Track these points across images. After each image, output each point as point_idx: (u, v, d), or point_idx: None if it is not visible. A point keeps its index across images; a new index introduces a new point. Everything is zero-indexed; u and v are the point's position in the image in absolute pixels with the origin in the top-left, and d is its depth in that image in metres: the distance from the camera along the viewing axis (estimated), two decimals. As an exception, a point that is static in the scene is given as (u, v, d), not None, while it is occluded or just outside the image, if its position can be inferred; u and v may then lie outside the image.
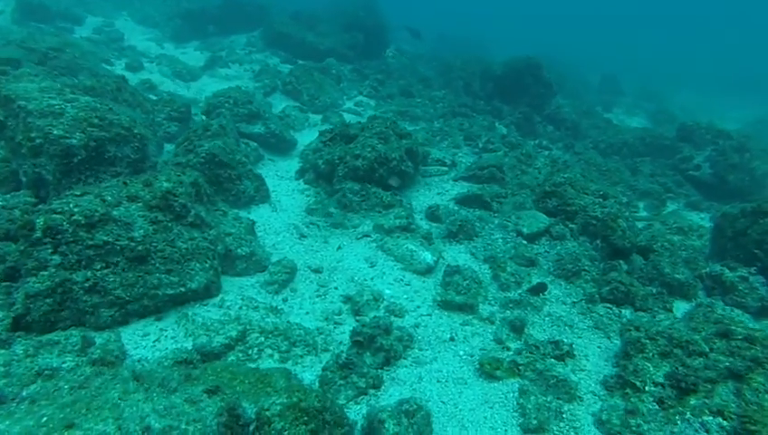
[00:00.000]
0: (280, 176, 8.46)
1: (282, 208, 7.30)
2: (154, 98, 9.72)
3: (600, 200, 7.53)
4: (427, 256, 5.97)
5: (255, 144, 8.87)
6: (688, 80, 31.43)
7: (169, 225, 4.65)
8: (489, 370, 4.49)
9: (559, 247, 6.91)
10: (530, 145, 12.37)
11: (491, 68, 14.98)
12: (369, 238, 6.61)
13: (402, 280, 5.80)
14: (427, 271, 5.94)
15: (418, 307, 5.36)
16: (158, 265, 4.44)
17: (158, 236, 4.51)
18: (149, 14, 17.12)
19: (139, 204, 4.55)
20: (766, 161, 11.37)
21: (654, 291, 6.19)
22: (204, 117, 9.15)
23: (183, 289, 4.56)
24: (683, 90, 28.29)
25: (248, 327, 4.37)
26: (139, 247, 4.34)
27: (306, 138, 10.38)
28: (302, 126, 11.02)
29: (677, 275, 6.42)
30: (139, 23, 17.18)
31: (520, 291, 5.89)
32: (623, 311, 5.79)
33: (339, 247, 6.30)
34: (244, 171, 7.03)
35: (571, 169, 7.90)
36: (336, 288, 5.52)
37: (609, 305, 5.85)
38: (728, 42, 47.94)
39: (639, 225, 8.34)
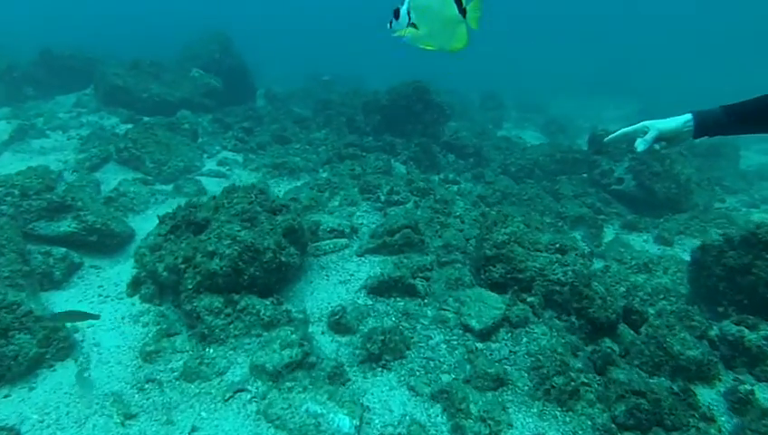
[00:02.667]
0: (104, 295, 5.65)
1: (99, 361, 4.55)
2: None
3: (559, 256, 5.60)
4: (343, 424, 3.57)
5: (63, 250, 5.99)
6: (559, 87, 32.12)
7: None
8: None
9: (526, 341, 4.83)
10: (435, 181, 10.50)
11: (375, 98, 13.06)
12: (244, 395, 4.08)
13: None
14: (347, 449, 3.54)
15: None
16: None
17: None
18: (-65, 83, 13.27)
19: None
20: (686, 165, 10.36)
21: (673, 387, 4.27)
22: (-23, 222, 6.11)
23: None
24: (557, 96, 28.67)
25: None
26: None
27: (152, 222, 7.61)
28: (147, 205, 8.21)
29: (691, 353, 4.57)
30: None
31: (500, 449, 3.67)
32: (654, 442, 3.78)
33: (192, 432, 3.69)
34: (15, 320, 4.22)
35: (511, 219, 5.90)
36: None
37: (633, 439, 3.82)
38: (588, 48, 51.09)
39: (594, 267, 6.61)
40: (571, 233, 8.88)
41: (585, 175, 11.41)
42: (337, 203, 8.25)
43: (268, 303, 5.02)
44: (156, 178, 9.19)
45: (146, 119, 12.40)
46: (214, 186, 9.26)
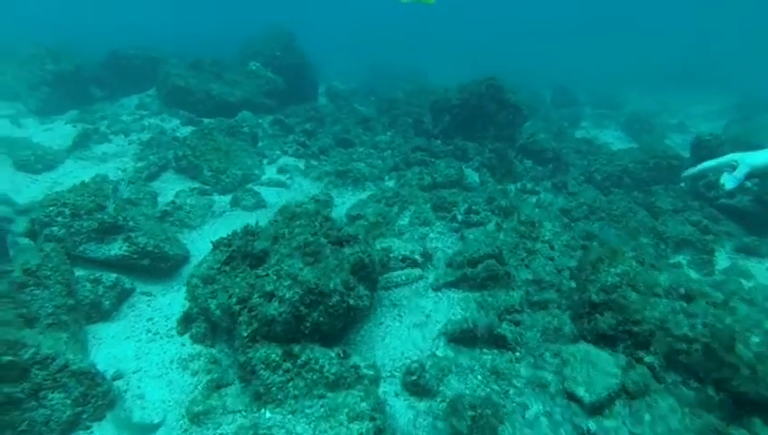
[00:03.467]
0: (153, 331, 5.10)
1: (138, 424, 3.95)
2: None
3: (684, 304, 4.55)
4: None
5: (114, 276, 5.50)
6: (634, 79, 29.86)
7: None
8: None
9: (649, 419, 3.86)
10: (512, 191, 9.49)
11: (444, 97, 12.10)
12: (305, 483, 3.36)
13: None
14: None
15: None
16: None
17: None
18: (6, 84, 13.44)
19: None
20: (814, 175, 8.80)
21: None
22: (27, 240, 5.74)
23: None
24: (633, 90, 26.56)
25: None
26: None
27: (208, 239, 7.09)
28: (203, 219, 7.71)
29: None
30: (-9, 97, 13.47)
31: None
32: None
33: None
34: (48, 377, 3.66)
35: (620, 255, 4.87)
36: None
37: None
38: (650, 38, 47.70)
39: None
40: (675, 257, 7.70)
41: (683, 185, 10.05)
42: (407, 221, 7.43)
43: (333, 355, 4.27)
44: (214, 187, 8.70)
45: (206, 121, 12.05)
46: (273, 197, 8.67)
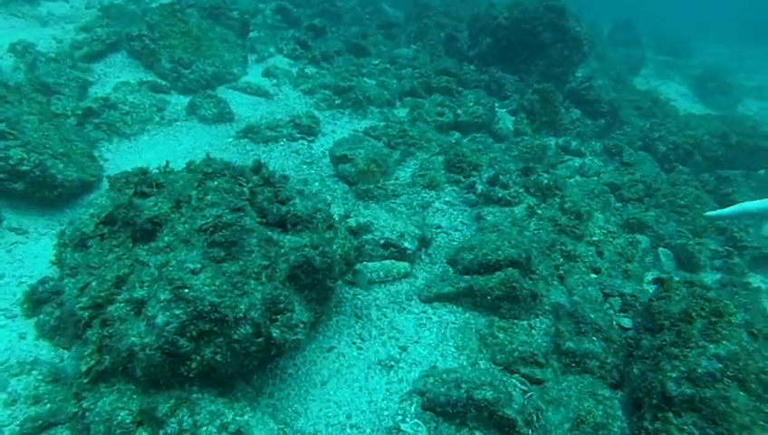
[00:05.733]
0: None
1: None
2: None
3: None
4: None
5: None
6: (709, 25, 26.19)
7: None
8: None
9: None
10: (551, 147, 7.44)
11: (488, 14, 9.62)
12: None
13: None
14: None
15: None
16: None
17: None
18: None
19: None
20: None
21: None
22: None
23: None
24: (706, 37, 23.15)
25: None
26: None
27: (140, 156, 5.28)
28: (144, 126, 5.81)
29: None
30: None
31: None
32: None
33: None
34: None
35: (726, 322, 2.99)
36: None
37: None
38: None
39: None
40: (751, 276, 5.82)
41: (763, 172, 7.93)
42: (408, 174, 5.50)
43: (229, 419, 2.56)
44: (172, 84, 6.69)
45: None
46: (246, 109, 6.67)
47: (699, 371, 2.83)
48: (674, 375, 2.88)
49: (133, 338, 2.51)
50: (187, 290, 2.53)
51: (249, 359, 2.72)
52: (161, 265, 2.69)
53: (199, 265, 2.64)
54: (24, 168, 4.03)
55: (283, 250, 2.95)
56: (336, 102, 7.18)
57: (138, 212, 2.95)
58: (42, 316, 3.21)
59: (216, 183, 2.97)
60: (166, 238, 2.85)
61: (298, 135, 6.04)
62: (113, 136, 5.48)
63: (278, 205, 3.12)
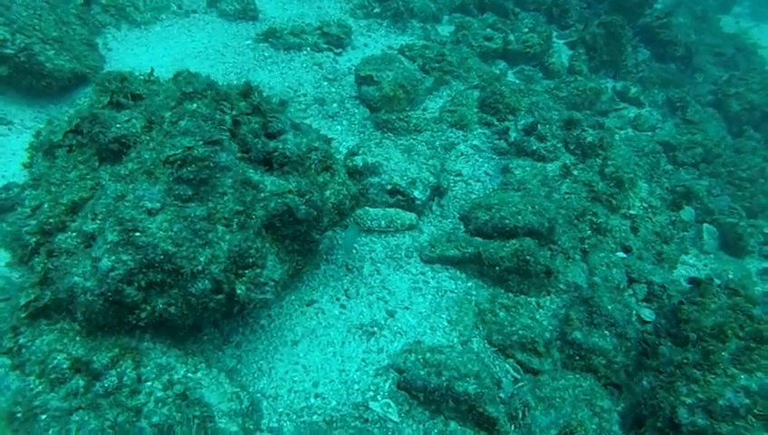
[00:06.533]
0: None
1: None
2: None
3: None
4: None
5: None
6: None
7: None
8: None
9: None
10: (607, 91, 6.64)
11: None
12: None
13: None
14: None
15: None
16: None
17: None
18: None
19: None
20: None
21: None
22: None
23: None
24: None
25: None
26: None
27: (149, 49, 4.87)
28: (159, 14, 5.30)
29: None
30: None
31: None
32: None
33: None
34: None
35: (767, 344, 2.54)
36: None
37: None
38: None
39: None
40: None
41: None
42: (437, 107, 4.93)
43: (180, 375, 2.33)
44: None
45: None
46: (274, 7, 6.02)
47: (720, 402, 2.43)
48: (689, 401, 2.49)
49: (76, 278, 2.23)
50: (138, 234, 2.20)
51: (209, 313, 2.43)
52: (118, 198, 2.34)
53: (158, 205, 2.29)
54: (8, 51, 3.64)
55: (262, 194, 2.56)
56: (374, 11, 6.43)
57: (103, 128, 2.57)
58: (3, 225, 2.96)
59: (194, 106, 2.53)
60: (130, 165, 2.48)
61: (324, 45, 5.44)
62: (122, 22, 5.00)
63: (265, 139, 2.69)
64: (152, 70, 3.01)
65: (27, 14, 3.84)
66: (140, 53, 4.67)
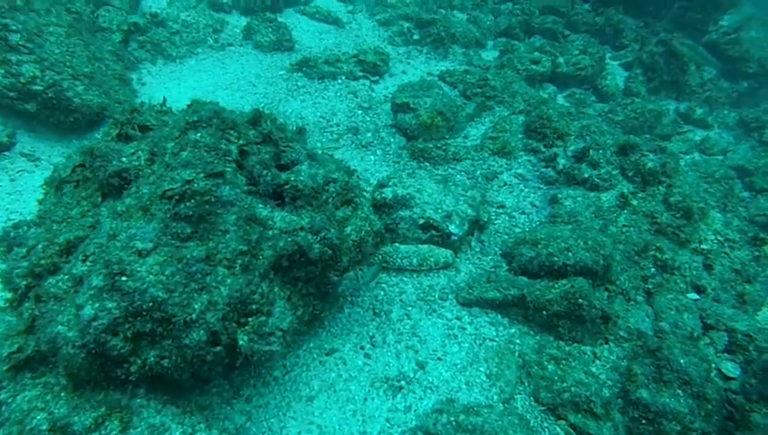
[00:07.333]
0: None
1: None
2: None
3: None
4: None
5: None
6: None
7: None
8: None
9: None
10: (669, 113, 6.10)
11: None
12: None
13: None
14: None
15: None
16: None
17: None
18: None
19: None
20: None
21: None
22: None
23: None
24: None
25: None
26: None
27: (182, 83, 4.81)
28: (195, 48, 5.28)
29: None
30: None
31: None
32: None
33: None
34: None
35: None
36: None
37: None
38: None
39: None
40: None
41: None
42: (480, 134, 4.58)
43: (173, 439, 2.04)
44: (234, 2, 6.05)
45: None
46: (311, 37, 5.92)
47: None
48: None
49: (60, 327, 2.00)
50: (125, 278, 1.96)
51: (208, 366, 2.14)
52: (110, 237, 2.12)
53: (150, 245, 2.05)
54: (37, 87, 3.61)
55: (270, 232, 2.28)
56: (414, 38, 6.23)
57: (104, 162, 2.39)
58: (2, 266, 2.82)
59: (197, 135, 2.31)
60: (127, 200, 2.28)
61: (360, 73, 5.24)
62: (158, 57, 4.99)
63: (275, 171, 2.43)
64: (164, 100, 2.85)
65: (60, 52, 3.83)
66: (172, 86, 4.61)
